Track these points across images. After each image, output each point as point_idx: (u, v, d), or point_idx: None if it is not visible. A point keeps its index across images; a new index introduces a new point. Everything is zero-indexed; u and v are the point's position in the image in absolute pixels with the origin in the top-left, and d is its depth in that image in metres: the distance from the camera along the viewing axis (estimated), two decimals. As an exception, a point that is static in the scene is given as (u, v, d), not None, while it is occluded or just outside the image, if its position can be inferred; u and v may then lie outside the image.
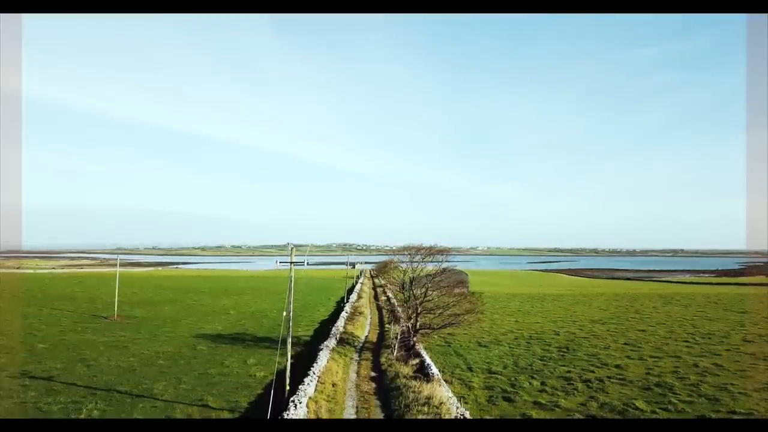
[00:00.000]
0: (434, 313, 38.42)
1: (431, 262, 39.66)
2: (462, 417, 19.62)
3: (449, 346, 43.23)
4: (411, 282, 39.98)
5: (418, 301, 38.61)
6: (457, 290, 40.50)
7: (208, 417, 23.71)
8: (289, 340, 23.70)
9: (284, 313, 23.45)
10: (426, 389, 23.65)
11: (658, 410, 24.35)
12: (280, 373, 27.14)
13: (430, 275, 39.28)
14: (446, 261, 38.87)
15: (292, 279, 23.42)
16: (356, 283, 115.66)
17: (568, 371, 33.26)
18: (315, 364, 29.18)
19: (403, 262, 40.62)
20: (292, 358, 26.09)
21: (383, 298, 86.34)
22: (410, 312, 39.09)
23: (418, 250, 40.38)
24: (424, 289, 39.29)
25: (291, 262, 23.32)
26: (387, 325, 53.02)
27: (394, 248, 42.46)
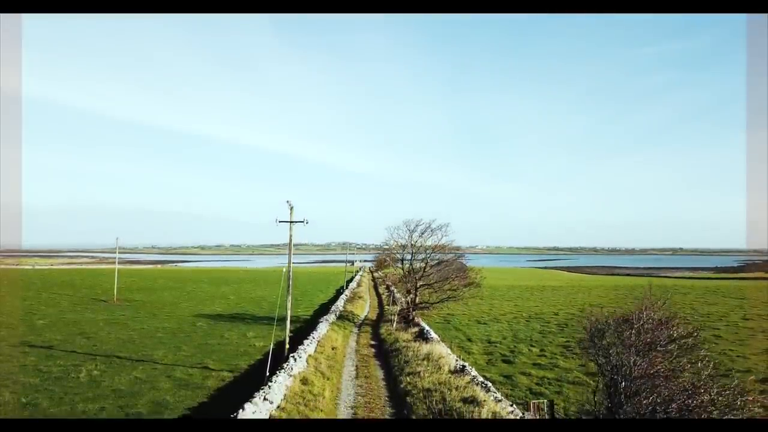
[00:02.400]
0: (433, 288, 38.50)
1: (430, 237, 39.70)
2: (458, 365, 19.69)
3: (448, 323, 43.30)
4: (411, 256, 40.06)
5: (417, 276, 38.69)
6: (456, 265, 40.56)
7: (208, 376, 23.84)
8: (290, 298, 23.77)
9: (283, 269, 23.52)
10: (425, 348, 23.75)
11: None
12: (280, 343, 27.20)
13: (429, 248, 39.31)
14: (445, 236, 38.88)
15: (291, 237, 23.51)
16: (356, 275, 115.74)
17: (567, 341, 33.37)
18: (314, 332, 29.20)
19: (401, 237, 40.61)
20: (291, 332, 26.16)
21: (383, 287, 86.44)
22: (409, 286, 39.17)
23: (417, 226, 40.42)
24: (423, 264, 39.39)
25: (290, 222, 23.40)
26: (387, 307, 53.13)
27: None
